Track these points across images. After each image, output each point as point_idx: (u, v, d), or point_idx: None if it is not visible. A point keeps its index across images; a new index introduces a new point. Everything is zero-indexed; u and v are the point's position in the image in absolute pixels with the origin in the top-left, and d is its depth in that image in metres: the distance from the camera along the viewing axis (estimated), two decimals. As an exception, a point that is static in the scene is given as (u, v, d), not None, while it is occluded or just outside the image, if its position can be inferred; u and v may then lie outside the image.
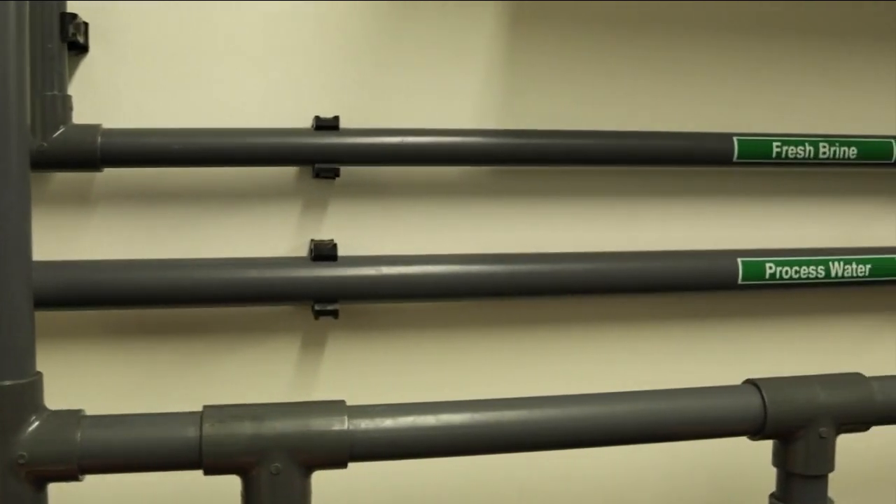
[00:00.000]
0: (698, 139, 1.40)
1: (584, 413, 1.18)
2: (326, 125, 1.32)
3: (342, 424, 1.06)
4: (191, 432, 1.02)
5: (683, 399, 1.23)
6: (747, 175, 1.50)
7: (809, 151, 1.42)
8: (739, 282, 1.39)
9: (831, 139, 1.44)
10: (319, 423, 1.07)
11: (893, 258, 1.45)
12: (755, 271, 1.40)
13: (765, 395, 1.22)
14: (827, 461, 1.23)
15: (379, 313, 1.42)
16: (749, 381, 1.24)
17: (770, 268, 1.41)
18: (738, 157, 1.39)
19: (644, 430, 1.20)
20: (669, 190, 1.47)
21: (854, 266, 1.44)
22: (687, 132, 1.41)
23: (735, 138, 1.39)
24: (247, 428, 1.06)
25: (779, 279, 1.40)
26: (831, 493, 1.19)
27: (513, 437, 1.12)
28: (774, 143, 1.41)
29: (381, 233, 1.40)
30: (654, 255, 1.41)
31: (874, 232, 1.55)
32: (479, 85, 1.40)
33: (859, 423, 1.26)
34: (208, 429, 1.03)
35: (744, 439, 1.18)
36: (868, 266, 1.45)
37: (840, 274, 1.43)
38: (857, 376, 1.30)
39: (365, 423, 1.08)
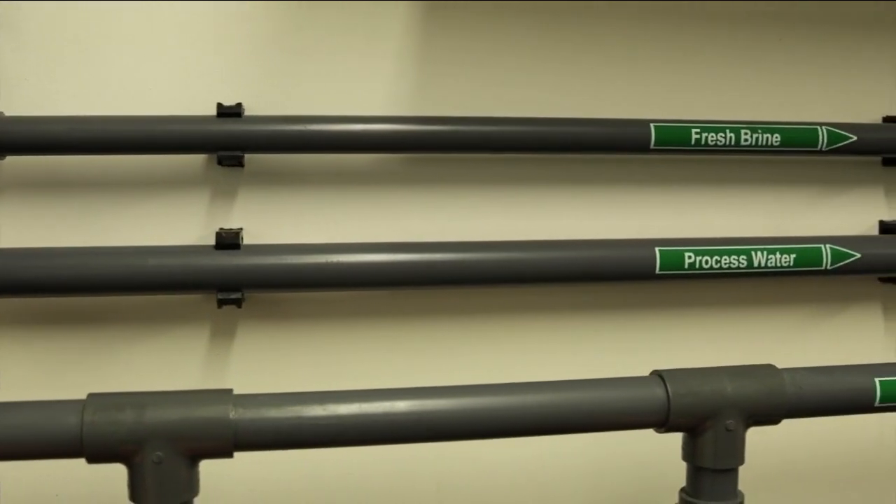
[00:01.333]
0: (615, 126, 1.37)
1: (479, 404, 1.14)
2: (228, 112, 1.29)
3: (225, 413, 1.04)
4: (72, 420, 1.01)
5: (586, 390, 1.19)
6: (666, 162, 1.47)
7: (730, 138, 1.39)
8: (657, 271, 1.35)
9: (753, 126, 1.41)
10: (202, 412, 1.04)
11: (819, 248, 1.42)
12: (673, 261, 1.36)
13: (669, 386, 1.19)
14: (735, 455, 1.19)
15: (292, 302, 1.39)
16: (655, 373, 1.22)
17: (689, 257, 1.37)
18: (655, 144, 1.36)
19: (544, 422, 1.16)
20: (587, 178, 1.44)
21: (778, 256, 1.41)
22: (603, 119, 1.38)
23: (652, 125, 1.37)
24: (128, 416, 1.04)
25: (698, 269, 1.37)
26: (744, 487, 1.16)
27: (403, 428, 1.09)
28: (693, 130, 1.37)
29: (292, 221, 1.37)
30: (570, 245, 1.37)
31: (802, 221, 1.52)
32: (392, 71, 1.38)
33: (769, 416, 1.23)
34: (90, 417, 1.02)
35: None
36: (792, 256, 1.41)
37: (763, 264, 1.40)
38: (768, 368, 1.26)
39: (250, 413, 1.06)
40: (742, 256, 1.38)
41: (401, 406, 1.11)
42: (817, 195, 1.53)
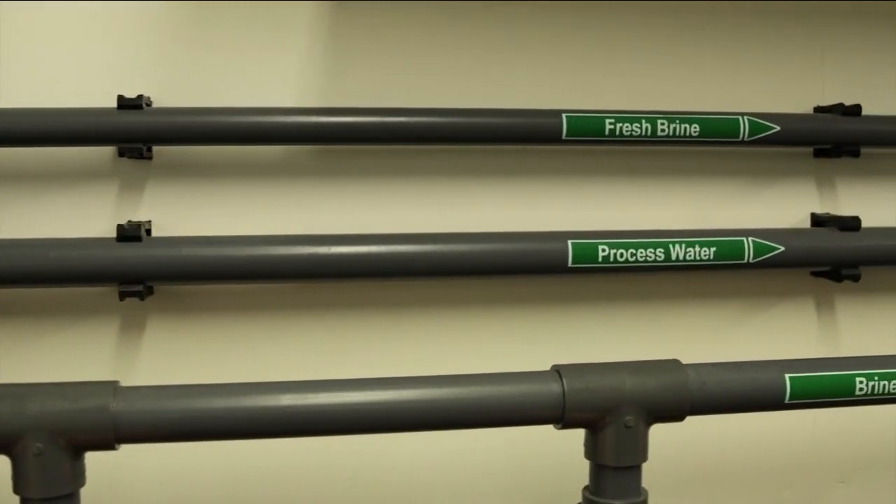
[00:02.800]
0: (525, 116, 1.34)
1: (367, 398, 1.11)
2: (129, 105, 1.27)
3: (106, 405, 1.03)
4: (-48, 411, 1.05)
5: (479, 385, 1.16)
6: (580, 154, 1.43)
7: (646, 129, 1.35)
8: (570, 264, 1.32)
9: (671, 116, 1.37)
10: (82, 404, 1.03)
11: (741, 241, 1.38)
12: (587, 254, 1.33)
13: (565, 382, 1.16)
14: (637, 452, 1.16)
15: (203, 295, 1.37)
16: (554, 368, 1.19)
17: (603, 250, 1.33)
18: (567, 135, 1.33)
19: (434, 416, 1.14)
20: (498, 169, 1.41)
21: (697, 249, 1.37)
22: (514, 109, 1.35)
23: (564, 115, 1.33)
24: (7, 407, 1.04)
25: (613, 262, 1.33)
26: (649, 485, 1.14)
27: (284, 422, 1.06)
28: (607, 120, 1.34)
29: (202, 214, 1.36)
30: (481, 237, 1.35)
31: (729, 214, 1.48)
32: (301, 62, 1.36)
33: (671, 412, 1.21)
34: (-32, 407, 1.05)
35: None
36: (712, 249, 1.37)
37: (681, 257, 1.36)
38: (671, 364, 1.23)
39: (132, 405, 1.05)
40: (659, 249, 1.35)
41: (285, 400, 1.08)
42: (746, 187, 1.50)
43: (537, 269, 1.33)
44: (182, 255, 1.27)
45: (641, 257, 1.35)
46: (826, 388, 1.21)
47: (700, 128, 1.36)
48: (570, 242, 1.33)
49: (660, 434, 1.17)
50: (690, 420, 1.22)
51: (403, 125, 1.32)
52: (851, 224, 1.44)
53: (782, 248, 1.39)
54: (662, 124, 1.35)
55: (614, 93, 1.42)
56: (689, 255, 1.36)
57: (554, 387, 1.14)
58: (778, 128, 1.39)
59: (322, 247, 1.29)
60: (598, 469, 1.16)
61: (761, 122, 1.38)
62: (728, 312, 1.50)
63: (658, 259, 1.35)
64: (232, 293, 1.37)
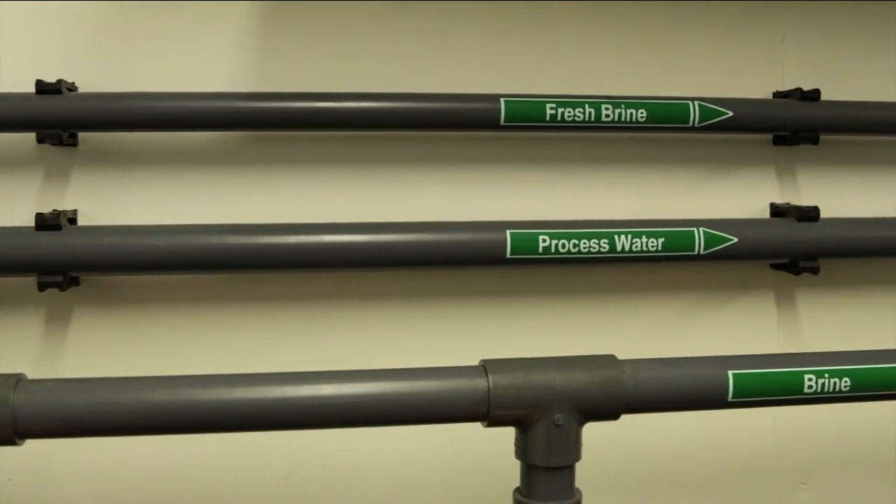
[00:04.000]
0: (461, 100, 1.28)
1: (284, 393, 1.05)
2: (48, 89, 1.23)
3: (6, 399, 0.97)
4: None
5: (400, 380, 1.10)
6: (519, 140, 1.38)
7: (590, 114, 1.29)
8: (508, 255, 1.26)
9: (616, 101, 1.31)
10: (-24, 398, 1.05)
11: (691, 232, 1.32)
12: (526, 244, 1.27)
13: (490, 377, 1.11)
14: (569, 451, 1.10)
15: (132, 286, 1.32)
16: (482, 363, 1.15)
17: (544, 241, 1.27)
18: (505, 121, 1.27)
19: (352, 414, 1.08)
20: (434, 156, 1.36)
21: (644, 240, 1.30)
22: (448, 93, 1.29)
23: (502, 99, 1.27)
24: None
25: (554, 253, 1.27)
26: (584, 485, 1.08)
27: (189, 418, 1.00)
28: (548, 105, 1.28)
29: (129, 202, 1.31)
30: (415, 227, 1.28)
31: (684, 204, 1.42)
32: (232, 47, 1.31)
33: (604, 410, 1.15)
34: None
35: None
36: (660, 240, 1.30)
37: (627, 248, 1.30)
38: (607, 359, 1.16)
39: (34, 398, 0.99)
40: (603, 240, 1.28)
41: (190, 394, 1.02)
42: (702, 176, 1.43)
43: (474, 261, 1.27)
44: (103, 244, 1.22)
45: (584, 248, 1.28)
46: (772, 386, 1.15)
47: (647, 113, 1.30)
48: (508, 233, 1.27)
49: (608, 431, 1.13)
50: (642, 417, 1.18)
51: (333, 110, 1.27)
52: (810, 214, 1.38)
53: (735, 240, 1.32)
54: (607, 109, 1.29)
55: (558, 76, 1.36)
56: (636, 247, 1.30)
57: (479, 382, 1.08)
58: (730, 113, 1.33)
59: (249, 236, 1.24)
60: (529, 469, 1.10)
61: (713, 107, 1.32)
62: (682, 307, 1.44)
63: (602, 250, 1.29)
64: (161, 284, 1.32)
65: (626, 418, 1.12)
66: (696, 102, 1.32)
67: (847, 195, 1.47)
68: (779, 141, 1.44)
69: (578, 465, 1.09)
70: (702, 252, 1.32)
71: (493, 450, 1.34)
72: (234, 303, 1.33)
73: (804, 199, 1.46)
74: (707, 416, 1.22)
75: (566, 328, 1.39)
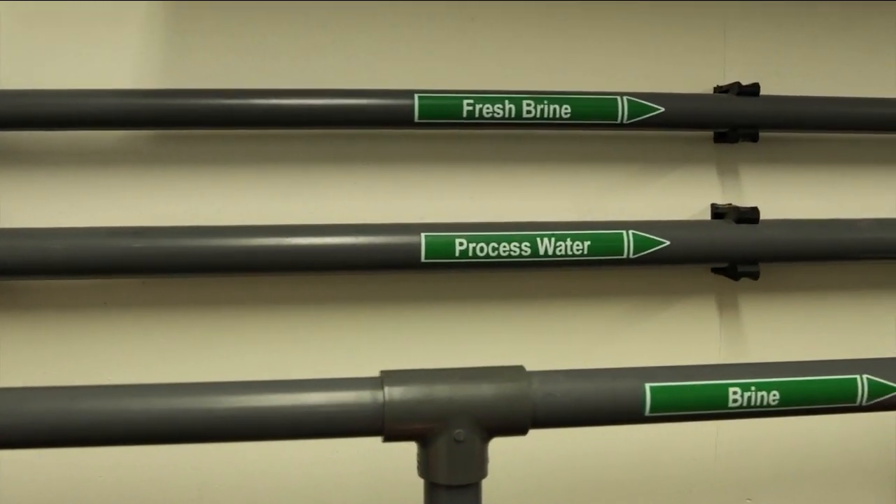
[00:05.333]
0: (373, 97, 1.21)
1: (163, 405, 0.99)
2: (-63, 86, 1.21)
3: None
4: None
5: (292, 392, 1.04)
6: (435, 138, 1.31)
7: (510, 110, 1.22)
8: (423, 259, 1.20)
9: (538, 96, 1.24)
10: None
11: (619, 234, 1.24)
12: (442, 248, 1.20)
13: (386, 389, 1.06)
14: (472, 469, 1.04)
15: (40, 291, 1.26)
16: (381, 374, 1.10)
17: (461, 244, 1.20)
18: (420, 117, 1.20)
19: (237, 427, 1.02)
20: (346, 155, 1.29)
21: (568, 243, 1.23)
22: (359, 89, 1.22)
23: (416, 95, 1.21)
24: None
25: (472, 257, 1.20)
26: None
27: (76, 430, 0.94)
28: (465, 101, 1.21)
29: (32, 203, 1.24)
30: (326, 229, 1.21)
31: (619, 205, 1.35)
32: (139, 43, 1.25)
33: (511, 425, 1.08)
34: None
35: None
36: (586, 243, 1.23)
37: (551, 252, 1.22)
38: (514, 370, 1.10)
39: None
40: (525, 243, 1.21)
41: (73, 405, 1.01)
42: (640, 175, 1.36)
43: (387, 265, 1.21)
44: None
45: (504, 252, 1.22)
46: (693, 400, 1.07)
47: (571, 109, 1.23)
48: (423, 235, 1.20)
49: (529, 443, 1.06)
50: (573, 431, 1.13)
51: (240, 108, 1.21)
52: (749, 216, 1.30)
53: (667, 243, 1.25)
54: (528, 105, 1.22)
55: (483, 71, 1.29)
56: (560, 251, 1.22)
57: (374, 395, 1.02)
58: (662, 109, 1.25)
59: (151, 239, 1.17)
60: (432, 488, 1.05)
61: (642, 102, 1.25)
62: (615, 314, 1.37)
63: (524, 254, 1.22)
64: (64, 289, 1.26)
65: (548, 430, 1.08)
66: (624, 98, 1.25)
67: (794, 195, 1.39)
68: (719, 138, 1.36)
69: (490, 483, 1.04)
70: (631, 256, 1.24)
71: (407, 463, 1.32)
72: (138, 308, 1.26)
73: (747, 200, 1.39)
74: (643, 428, 1.16)
75: (486, 336, 1.32)
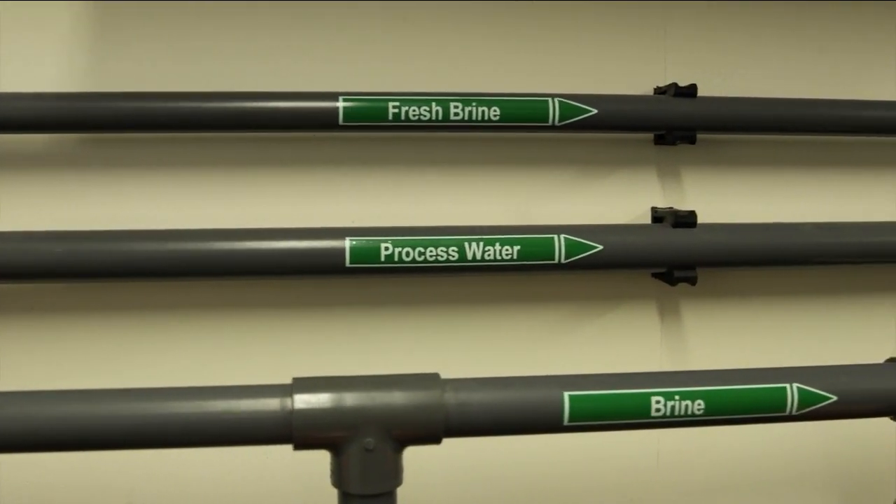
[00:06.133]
0: (296, 99, 1.19)
1: (58, 412, 1.00)
2: None
3: None
4: None
5: (199, 399, 1.02)
6: (361, 141, 1.28)
7: (437, 112, 1.19)
8: (348, 264, 1.17)
9: (466, 98, 1.21)
10: None
11: (549, 239, 1.21)
12: (368, 252, 1.18)
13: (295, 397, 1.04)
14: (385, 477, 1.01)
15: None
16: (294, 381, 1.08)
17: (386, 249, 1.18)
18: (345, 120, 1.18)
19: (144, 434, 1.02)
20: (272, 158, 1.27)
21: (497, 248, 1.20)
22: (284, 92, 1.20)
23: (341, 97, 1.19)
24: None
25: (398, 262, 1.18)
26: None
27: None
28: (391, 104, 1.19)
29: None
30: (248, 233, 1.19)
31: (557, 208, 1.32)
32: (64, 45, 1.23)
33: (423, 433, 1.05)
34: None
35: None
36: (516, 248, 1.20)
37: (479, 257, 1.20)
38: (428, 378, 1.07)
39: None
40: (452, 248, 1.19)
41: None
42: (579, 178, 1.33)
43: (311, 270, 1.18)
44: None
45: (431, 257, 1.19)
46: (614, 409, 1.05)
47: (501, 111, 1.20)
48: (348, 240, 1.18)
49: (460, 450, 1.06)
50: (505, 438, 1.10)
51: (165, 110, 1.18)
52: (686, 220, 1.27)
53: (600, 248, 1.22)
54: (456, 107, 1.19)
55: (415, 74, 1.27)
56: (489, 255, 1.20)
57: (282, 402, 1.01)
58: (595, 111, 1.22)
59: (74, 243, 1.16)
60: (345, 498, 1.04)
61: (575, 104, 1.22)
62: (553, 319, 1.34)
63: (451, 259, 1.19)
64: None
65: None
66: (556, 99, 1.22)
67: (737, 198, 1.36)
68: (659, 140, 1.34)
69: (412, 490, 1.03)
70: (563, 261, 1.21)
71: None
72: (62, 314, 1.24)
73: (688, 203, 1.36)
74: (582, 436, 1.14)
75: (413, 343, 1.30)
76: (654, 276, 1.34)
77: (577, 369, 1.14)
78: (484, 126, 1.22)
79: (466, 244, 1.20)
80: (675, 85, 1.29)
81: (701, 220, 1.31)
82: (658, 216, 1.34)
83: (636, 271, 1.33)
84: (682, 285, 1.30)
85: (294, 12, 1.27)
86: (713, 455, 1.39)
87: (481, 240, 1.20)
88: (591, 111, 1.23)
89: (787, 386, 1.12)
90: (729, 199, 1.36)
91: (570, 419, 1.07)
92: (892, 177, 1.41)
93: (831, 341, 1.41)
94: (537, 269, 1.22)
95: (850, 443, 1.44)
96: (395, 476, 1.03)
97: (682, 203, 1.36)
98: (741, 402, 1.10)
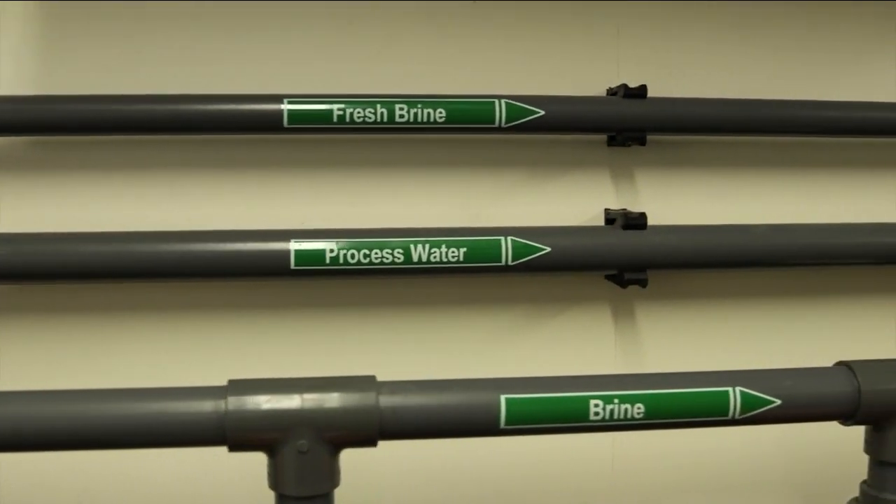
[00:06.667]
0: (240, 102, 1.19)
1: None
2: None
3: None
4: None
5: (134, 401, 1.02)
6: (307, 143, 1.27)
7: (382, 114, 1.19)
8: (293, 267, 1.17)
9: (412, 100, 1.21)
10: None
11: (496, 241, 1.21)
12: (312, 255, 1.18)
13: (229, 399, 1.04)
14: (321, 479, 0.98)
15: None
16: (229, 383, 1.08)
17: (331, 251, 1.18)
18: (289, 122, 1.18)
19: (76, 436, 1.03)
20: (217, 161, 1.27)
21: (443, 250, 1.20)
22: (229, 94, 1.20)
23: (286, 100, 1.19)
24: None
25: (343, 264, 1.18)
26: None
27: None
28: (336, 106, 1.19)
29: None
30: (192, 236, 1.20)
31: (508, 210, 1.31)
32: (12, 47, 1.24)
33: (358, 436, 1.00)
34: None
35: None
36: (462, 250, 1.20)
37: (425, 259, 1.19)
38: (364, 380, 1.06)
39: None
40: (398, 250, 1.19)
41: None
42: (532, 180, 1.32)
43: (256, 272, 1.18)
44: None
45: (377, 259, 1.19)
46: (552, 412, 1.04)
47: (446, 113, 1.20)
48: (293, 242, 1.18)
49: (405, 452, 1.06)
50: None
51: (111, 113, 1.18)
52: (637, 222, 1.26)
53: (548, 250, 1.21)
54: (401, 109, 1.19)
55: (363, 76, 1.27)
56: (434, 257, 1.19)
57: (216, 404, 1.01)
58: (542, 112, 1.22)
59: (17, 245, 1.16)
60: (281, 499, 1.04)
61: (521, 105, 1.21)
62: (504, 322, 1.33)
63: (397, 261, 1.19)
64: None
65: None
66: (502, 101, 1.22)
67: (693, 200, 1.35)
68: (612, 142, 1.33)
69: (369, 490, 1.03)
70: (510, 263, 1.21)
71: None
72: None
73: (642, 205, 1.35)
74: (535, 439, 1.13)
75: (360, 345, 1.29)
76: (608, 278, 1.33)
77: (530, 372, 1.13)
78: (430, 128, 1.21)
79: (412, 246, 1.20)
80: (624, 86, 1.29)
81: (655, 221, 1.31)
82: (610, 218, 1.33)
83: (588, 274, 1.32)
84: (637, 287, 1.30)
85: (242, 13, 1.26)
86: (669, 458, 1.38)
87: (427, 242, 1.20)
88: (538, 112, 1.22)
89: (730, 390, 1.11)
90: (684, 200, 1.35)
91: (507, 422, 1.07)
92: (845, 178, 1.40)
93: (788, 343, 1.40)
94: (485, 272, 1.22)
95: (809, 444, 1.42)
96: (332, 478, 1.03)
97: (636, 205, 1.35)
98: (682, 406, 1.09)
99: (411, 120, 1.20)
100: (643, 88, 1.28)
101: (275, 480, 1.03)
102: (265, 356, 1.28)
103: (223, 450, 1.03)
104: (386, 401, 1.04)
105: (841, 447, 1.25)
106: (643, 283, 1.27)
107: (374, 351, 1.30)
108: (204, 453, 1.19)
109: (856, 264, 1.37)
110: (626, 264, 1.26)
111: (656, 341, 1.37)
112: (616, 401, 1.08)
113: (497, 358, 1.33)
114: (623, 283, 1.28)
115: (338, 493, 1.02)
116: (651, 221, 1.29)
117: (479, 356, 1.33)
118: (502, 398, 1.07)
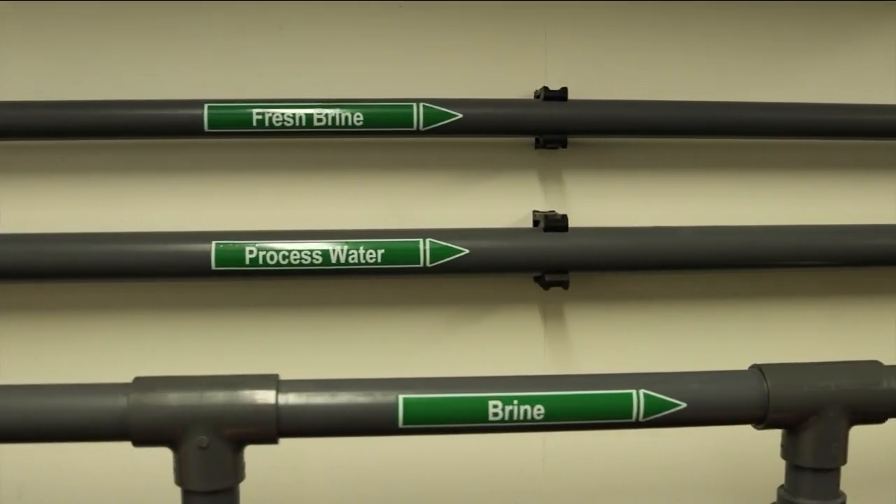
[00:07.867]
0: (161, 107, 1.23)
1: None
2: None
3: None
4: None
5: (41, 397, 1.07)
6: (228, 147, 1.29)
7: (301, 118, 1.21)
8: (213, 267, 1.20)
9: (330, 104, 1.23)
10: None
11: (414, 243, 1.22)
12: (232, 256, 1.20)
13: (131, 396, 1.06)
14: (223, 474, 0.99)
15: None
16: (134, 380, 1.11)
17: (251, 252, 1.20)
18: (210, 127, 1.21)
19: None
20: (141, 165, 1.30)
21: (361, 251, 1.22)
22: (149, 100, 1.24)
23: (206, 105, 1.21)
24: None
25: (262, 265, 1.20)
26: None
27: None
28: (255, 111, 1.21)
29: None
30: (114, 237, 1.23)
31: (438, 212, 1.32)
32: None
33: (255, 433, 1.00)
34: None
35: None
36: (380, 251, 1.21)
37: (343, 260, 1.21)
38: (263, 379, 1.05)
39: None
40: (316, 251, 1.21)
41: None
42: (459, 182, 1.33)
43: (177, 272, 1.22)
44: None
45: (295, 260, 1.21)
46: (450, 413, 1.04)
47: (364, 116, 1.22)
48: (213, 243, 1.21)
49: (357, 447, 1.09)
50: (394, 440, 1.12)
51: (32, 118, 1.22)
52: (558, 224, 1.26)
53: (466, 251, 1.22)
54: (319, 113, 1.21)
55: (295, 81, 1.28)
56: (353, 259, 1.21)
57: (119, 400, 1.05)
58: (460, 115, 1.22)
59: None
60: (186, 495, 1.06)
61: (440, 109, 1.23)
62: (428, 323, 1.34)
63: (315, 262, 1.21)
64: None
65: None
66: (420, 104, 1.23)
67: (621, 202, 1.35)
68: (539, 144, 1.32)
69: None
70: (429, 265, 1.22)
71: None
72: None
73: (570, 207, 1.34)
74: (465, 438, 1.13)
75: (279, 345, 1.31)
76: (536, 280, 1.34)
77: (456, 374, 1.15)
78: (348, 131, 1.23)
79: (330, 248, 1.22)
80: (545, 88, 1.29)
81: (583, 223, 1.31)
82: (536, 220, 1.34)
83: (514, 276, 1.33)
84: (565, 289, 1.30)
85: (172, 16, 1.29)
86: (602, 458, 1.38)
87: (345, 243, 1.22)
88: (456, 116, 1.23)
89: (633, 392, 1.10)
90: (613, 202, 1.35)
91: (405, 422, 1.08)
92: (772, 179, 1.38)
93: (717, 344, 1.38)
94: (403, 273, 1.23)
95: (744, 444, 1.40)
96: (235, 473, 1.05)
97: (564, 207, 1.35)
98: (583, 408, 1.08)
99: (329, 124, 1.22)
100: (564, 91, 1.28)
101: (179, 476, 1.05)
102: (186, 354, 1.31)
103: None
104: (284, 399, 1.07)
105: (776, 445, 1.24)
106: (565, 285, 1.27)
107: (293, 351, 1.32)
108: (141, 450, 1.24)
109: (783, 266, 1.35)
110: (546, 266, 1.26)
111: (586, 342, 1.37)
112: (515, 402, 1.08)
113: (422, 359, 1.35)
114: (545, 285, 1.28)
115: (248, 489, 1.06)
116: (578, 223, 1.30)
117: (404, 357, 1.34)
118: (400, 398, 1.07)
